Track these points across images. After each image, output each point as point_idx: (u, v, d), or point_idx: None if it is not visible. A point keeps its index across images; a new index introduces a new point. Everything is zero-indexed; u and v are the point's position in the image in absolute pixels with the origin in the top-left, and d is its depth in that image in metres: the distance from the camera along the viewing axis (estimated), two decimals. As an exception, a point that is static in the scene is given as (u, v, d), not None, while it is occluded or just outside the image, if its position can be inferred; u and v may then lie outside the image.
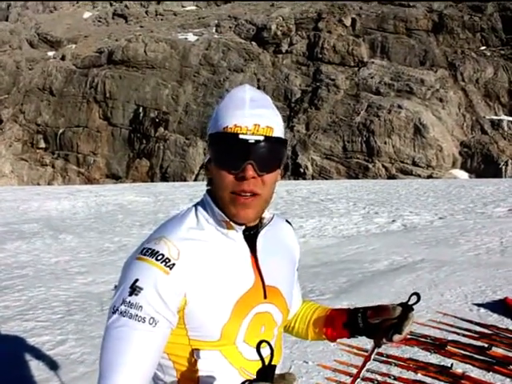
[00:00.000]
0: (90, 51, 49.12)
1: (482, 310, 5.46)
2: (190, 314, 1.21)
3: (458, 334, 4.73)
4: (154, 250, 1.20)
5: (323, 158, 39.37)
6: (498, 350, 4.34)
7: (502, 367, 3.99)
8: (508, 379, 3.84)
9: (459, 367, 3.99)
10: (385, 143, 37.81)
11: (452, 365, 3.95)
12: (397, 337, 1.38)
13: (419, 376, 3.87)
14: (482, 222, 10.94)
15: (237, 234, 1.29)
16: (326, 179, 34.38)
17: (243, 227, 1.29)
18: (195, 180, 39.10)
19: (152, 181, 39.31)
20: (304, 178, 36.88)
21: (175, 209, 14.70)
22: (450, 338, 4.59)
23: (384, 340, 1.41)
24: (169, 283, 1.17)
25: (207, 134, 1.28)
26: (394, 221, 11.52)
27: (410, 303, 1.41)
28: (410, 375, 3.89)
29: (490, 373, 3.94)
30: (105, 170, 43.80)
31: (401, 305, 1.41)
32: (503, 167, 35.75)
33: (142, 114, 44.33)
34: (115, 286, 4.94)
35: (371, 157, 37.91)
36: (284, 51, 44.74)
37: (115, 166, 43.70)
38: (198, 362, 1.25)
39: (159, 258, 1.18)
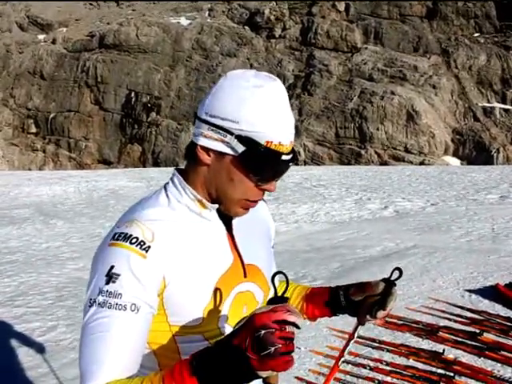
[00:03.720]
0: (81, 35, 48.57)
1: (474, 296, 5.48)
2: (169, 297, 1.16)
3: (449, 319, 4.75)
4: (126, 233, 1.14)
5: (316, 144, 39.30)
6: (489, 336, 4.35)
7: (492, 352, 4.01)
8: (499, 364, 3.86)
9: (451, 353, 4.00)
10: (377, 129, 37.78)
11: (444, 350, 3.96)
12: (381, 313, 1.35)
13: (411, 361, 3.88)
14: (474, 209, 10.97)
15: (211, 213, 1.26)
16: (319, 165, 34.38)
17: (217, 206, 1.26)
18: (187, 165, 38.89)
19: (144, 166, 39.14)
20: (296, 164, 36.79)
21: (167, 194, 14.61)
22: (441, 324, 4.60)
23: (368, 317, 1.38)
24: (146, 267, 1.12)
25: (225, 118, 1.16)
26: (386, 207, 11.54)
27: (392, 278, 1.37)
28: (402, 361, 3.90)
29: (482, 358, 3.96)
30: (96, 155, 43.53)
31: (383, 280, 1.38)
32: (495, 154, 35.86)
33: (133, 99, 43.99)
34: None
35: (364, 143, 37.89)
36: (277, 36, 44.42)
37: (107, 151, 43.44)
38: (180, 348, 1.20)
39: (133, 241, 1.12)
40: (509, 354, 4.01)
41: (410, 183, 16.44)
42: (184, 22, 47.24)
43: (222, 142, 1.16)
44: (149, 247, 1.13)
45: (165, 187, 1.28)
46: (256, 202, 1.25)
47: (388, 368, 3.77)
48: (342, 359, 1.52)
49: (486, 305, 5.21)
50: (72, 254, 7.93)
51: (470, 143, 37.20)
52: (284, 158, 1.18)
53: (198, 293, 1.20)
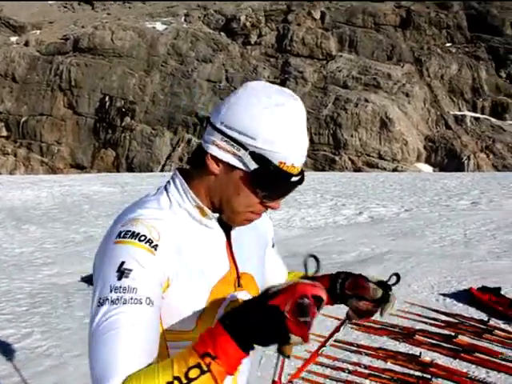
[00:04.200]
0: (54, 38, 47.99)
1: (448, 299, 5.58)
2: (167, 300, 1.15)
3: (425, 323, 4.82)
4: (133, 231, 1.12)
5: (291, 151, 39.45)
6: (464, 338, 4.44)
7: (467, 354, 4.09)
8: (473, 366, 3.93)
9: (427, 355, 4.06)
10: (351, 136, 38.16)
11: (420, 353, 4.02)
12: (377, 317, 1.38)
13: (389, 364, 3.93)
14: (447, 215, 11.16)
15: (211, 221, 1.25)
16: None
17: (217, 215, 1.25)
18: (162, 171, 38.75)
19: (118, 171, 38.80)
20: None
21: (142, 199, 14.52)
22: (417, 327, 4.67)
23: (357, 318, 1.41)
24: (155, 263, 1.11)
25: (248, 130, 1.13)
26: (361, 213, 11.65)
27: (389, 283, 1.39)
28: (380, 364, 3.94)
29: (457, 360, 4.03)
30: (69, 159, 42.97)
31: (381, 284, 1.39)
32: (466, 162, 36.53)
33: (108, 103, 43.61)
34: (82, 278, 4.84)
35: (338, 149, 38.23)
36: (253, 43, 44.60)
37: (80, 155, 42.93)
38: (170, 353, 1.18)
39: (142, 238, 1.11)
40: (483, 356, 4.10)
41: (384, 189, 16.64)
42: (159, 26, 47.10)
43: (234, 155, 1.15)
44: (157, 246, 1.12)
45: (166, 188, 1.27)
46: (260, 214, 1.25)
47: (366, 371, 3.81)
48: (324, 348, 1.53)
49: (460, 308, 5.30)
50: (46, 260, 7.82)
51: (442, 150, 37.83)
52: (294, 179, 1.18)
53: (195, 298, 1.19)
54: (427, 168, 36.65)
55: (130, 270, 1.07)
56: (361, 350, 4.17)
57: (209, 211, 1.23)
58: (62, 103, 44.72)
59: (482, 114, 40.68)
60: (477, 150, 37.87)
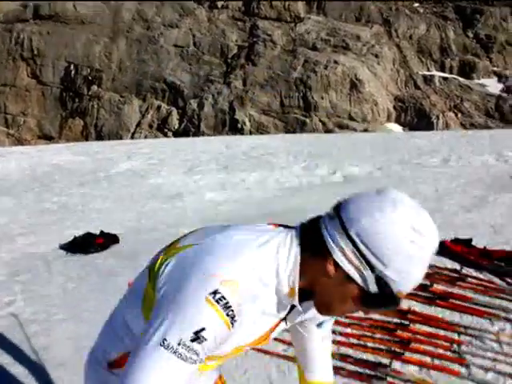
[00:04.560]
0: (13, 5, 46.32)
1: (422, 252, 5.74)
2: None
3: (401, 274, 4.97)
4: (227, 302, 1.13)
5: (261, 114, 39.37)
6: (439, 287, 4.61)
7: (442, 301, 4.26)
8: (448, 311, 4.11)
9: (404, 303, 4.21)
10: (322, 98, 38.19)
11: (398, 301, 4.16)
12: None
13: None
14: (418, 172, 11.34)
15: (289, 302, 1.27)
16: (264, 135, 34.48)
17: (299, 307, 1.28)
18: (132, 138, 38.28)
19: (87, 140, 38.18)
20: (241, 134, 36.82)
21: (115, 167, 14.44)
22: (394, 278, 4.82)
23: None
24: (228, 336, 1.17)
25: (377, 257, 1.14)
26: (334, 172, 11.77)
27: None
28: (359, 313, 4.07)
29: (433, 307, 4.20)
30: (36, 130, 42.11)
31: None
32: (435, 121, 37.00)
33: (73, 72, 42.62)
34: (60, 246, 4.81)
35: (308, 112, 38.27)
36: (220, 6, 43.86)
37: (47, 126, 42.08)
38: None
39: (229, 313, 1.14)
40: (456, 302, 4.28)
41: (356, 149, 16.76)
42: (123, -9, 45.84)
43: (359, 270, 1.15)
44: (235, 321, 1.16)
45: (277, 251, 1.23)
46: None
47: (347, 321, 3.94)
48: None
49: (434, 259, 5.43)
50: (22, 230, 7.73)
51: (412, 110, 38.21)
52: (399, 303, 1.23)
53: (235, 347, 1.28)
54: (397, 128, 37.03)
55: (206, 340, 1.12)
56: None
57: (297, 300, 1.24)
58: (25, 73, 43.54)
59: (451, 73, 41.08)
60: (445, 109, 38.35)
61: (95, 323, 1.58)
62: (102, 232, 6.76)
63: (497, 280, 4.92)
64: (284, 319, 1.32)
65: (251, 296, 1.16)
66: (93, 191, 10.87)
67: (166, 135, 41.64)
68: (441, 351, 3.51)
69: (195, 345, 1.11)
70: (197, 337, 1.10)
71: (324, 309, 1.27)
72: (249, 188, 10.47)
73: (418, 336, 3.68)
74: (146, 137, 39.21)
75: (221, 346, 1.18)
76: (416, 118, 37.78)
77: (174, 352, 1.09)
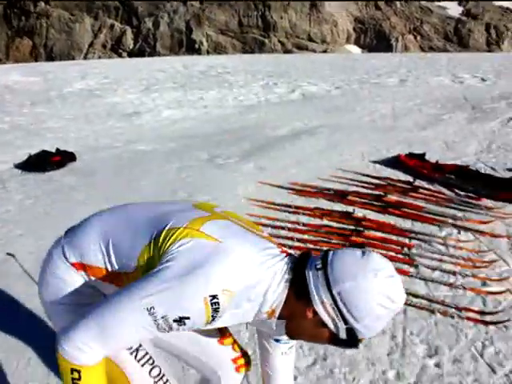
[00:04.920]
0: None
1: (378, 165, 5.89)
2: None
3: (357, 186, 5.12)
4: (219, 305, 1.26)
5: (218, 34, 38.27)
6: (392, 197, 4.77)
7: (395, 209, 4.43)
8: (401, 219, 4.29)
9: (360, 212, 4.36)
10: (281, 18, 37.26)
11: (354, 210, 4.31)
12: None
13: (325, 221, 4.20)
14: (376, 91, 11.42)
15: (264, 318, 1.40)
16: (222, 55, 33.69)
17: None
18: (85, 59, 36.78)
19: (36, 61, 36.47)
20: (199, 54, 35.88)
21: (68, 87, 13.98)
22: (350, 190, 4.96)
23: None
24: (201, 327, 1.32)
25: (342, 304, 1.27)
26: (293, 91, 11.72)
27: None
28: (316, 221, 4.21)
29: (386, 215, 4.36)
30: (-20, 49, 39.86)
31: None
32: (394, 43, 36.81)
33: (17, -15, 39.96)
34: (15, 165, 4.69)
35: (267, 32, 37.40)
36: None
37: (-8, 44, 39.86)
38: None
39: (215, 313, 1.26)
40: (408, 210, 4.46)
41: (315, 69, 16.65)
42: None
43: (334, 321, 1.29)
44: (215, 321, 1.30)
45: (274, 276, 1.34)
46: None
47: (305, 228, 4.06)
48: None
49: (388, 172, 5.63)
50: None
51: (371, 32, 37.81)
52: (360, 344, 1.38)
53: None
54: (356, 49, 36.73)
55: (185, 325, 1.26)
56: (298, 210, 4.41)
57: (274, 322, 1.39)
58: (-36, -15, 40.58)
59: (411, -7, 40.48)
60: (405, 31, 38.11)
61: (55, 238, 1.57)
62: (57, 150, 6.61)
63: (447, 191, 5.13)
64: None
65: (236, 305, 1.30)
66: (46, 111, 10.54)
67: (120, 56, 40.16)
68: (392, 254, 3.69)
69: (175, 324, 1.25)
70: (179, 320, 1.24)
71: (294, 336, 1.45)
72: (207, 106, 10.35)
73: (372, 241, 3.84)
74: (99, 57, 37.74)
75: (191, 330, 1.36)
76: (375, 40, 37.46)
77: (155, 320, 1.23)
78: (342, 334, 1.30)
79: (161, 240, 1.32)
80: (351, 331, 1.29)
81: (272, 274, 1.33)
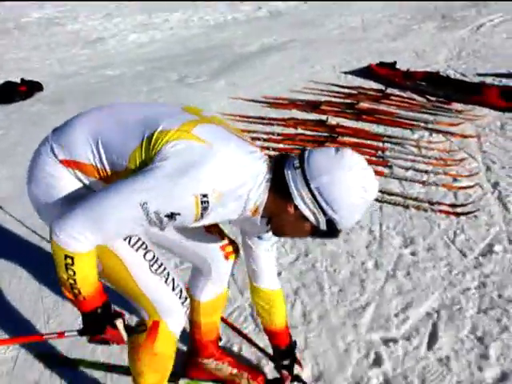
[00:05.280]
0: None
1: (349, 76, 5.90)
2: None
3: (329, 96, 5.14)
4: (208, 203, 1.30)
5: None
6: (364, 105, 4.83)
7: (368, 116, 4.50)
8: (374, 124, 4.36)
9: (333, 120, 4.41)
10: None
11: (327, 118, 4.36)
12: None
13: (300, 130, 4.25)
14: (345, 5, 11.18)
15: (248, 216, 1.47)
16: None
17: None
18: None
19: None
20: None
21: (24, 16, 13.36)
22: (323, 100, 4.98)
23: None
24: (190, 224, 1.39)
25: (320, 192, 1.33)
26: (259, 8, 11.40)
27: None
28: (291, 131, 4.26)
29: (360, 122, 4.43)
30: None
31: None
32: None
33: None
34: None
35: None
36: None
37: None
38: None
39: (204, 211, 1.32)
40: (381, 116, 4.54)
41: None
42: None
43: (314, 214, 1.37)
44: (203, 218, 1.36)
45: (257, 176, 1.40)
46: None
47: (280, 138, 4.11)
48: None
49: (360, 82, 5.65)
50: None
51: None
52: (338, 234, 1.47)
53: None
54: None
55: (175, 220, 1.32)
56: (272, 122, 4.44)
57: (259, 217, 1.46)
58: None
59: None
60: None
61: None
62: (23, 80, 6.42)
63: (418, 97, 5.19)
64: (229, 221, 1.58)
65: (223, 203, 1.36)
66: (5, 42, 10.10)
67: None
68: (367, 157, 3.78)
69: (166, 219, 1.31)
70: (171, 216, 1.30)
71: (278, 233, 1.53)
72: (172, 27, 10.04)
73: (346, 146, 3.92)
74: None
75: (180, 226, 1.45)
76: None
77: (147, 215, 1.28)
78: (323, 226, 1.39)
79: (153, 141, 1.34)
80: (331, 222, 1.37)
81: (255, 174, 1.39)
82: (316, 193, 1.33)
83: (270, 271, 1.83)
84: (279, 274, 2.59)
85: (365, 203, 1.37)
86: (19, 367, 2.10)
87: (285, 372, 1.93)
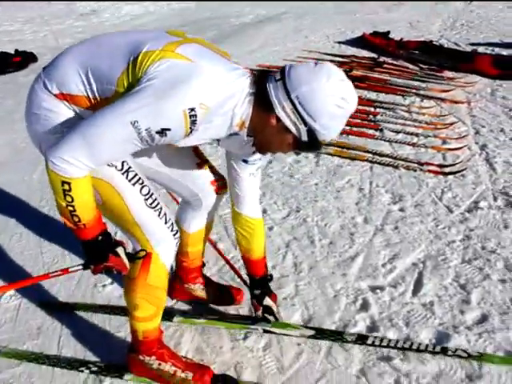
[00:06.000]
0: None
1: (343, 46, 5.95)
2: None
3: (323, 64, 5.19)
4: (196, 118, 1.34)
5: None
6: (357, 72, 4.88)
7: (360, 83, 4.56)
8: (366, 91, 4.44)
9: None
10: None
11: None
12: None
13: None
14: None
15: (234, 130, 1.51)
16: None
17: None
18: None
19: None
20: None
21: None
22: (316, 69, 5.03)
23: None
24: (180, 139, 1.42)
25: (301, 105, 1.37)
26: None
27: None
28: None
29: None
30: None
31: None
32: None
33: None
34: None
35: None
36: None
37: None
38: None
39: (193, 125, 1.35)
40: (372, 83, 4.60)
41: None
42: None
43: (295, 124, 1.41)
44: (192, 133, 1.40)
45: (242, 91, 1.43)
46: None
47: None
48: None
49: (353, 51, 5.70)
50: None
51: None
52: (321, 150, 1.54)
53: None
54: None
55: (166, 136, 1.36)
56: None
57: (245, 132, 1.51)
58: None
59: None
60: None
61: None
62: (17, 51, 6.42)
63: (411, 66, 5.25)
64: (218, 142, 1.63)
65: (210, 119, 1.40)
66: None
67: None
68: (358, 121, 3.85)
69: (157, 136, 1.34)
70: (162, 132, 1.34)
71: (263, 149, 1.56)
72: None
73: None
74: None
75: (171, 143, 1.45)
76: None
77: (139, 133, 1.32)
78: (304, 137, 1.43)
79: (138, 63, 1.38)
80: (311, 133, 1.41)
81: (240, 89, 1.43)
82: (296, 102, 1.37)
83: (253, 197, 1.88)
84: (271, 228, 2.68)
85: (344, 114, 1.40)
86: (22, 314, 2.19)
87: (254, 301, 2.01)
